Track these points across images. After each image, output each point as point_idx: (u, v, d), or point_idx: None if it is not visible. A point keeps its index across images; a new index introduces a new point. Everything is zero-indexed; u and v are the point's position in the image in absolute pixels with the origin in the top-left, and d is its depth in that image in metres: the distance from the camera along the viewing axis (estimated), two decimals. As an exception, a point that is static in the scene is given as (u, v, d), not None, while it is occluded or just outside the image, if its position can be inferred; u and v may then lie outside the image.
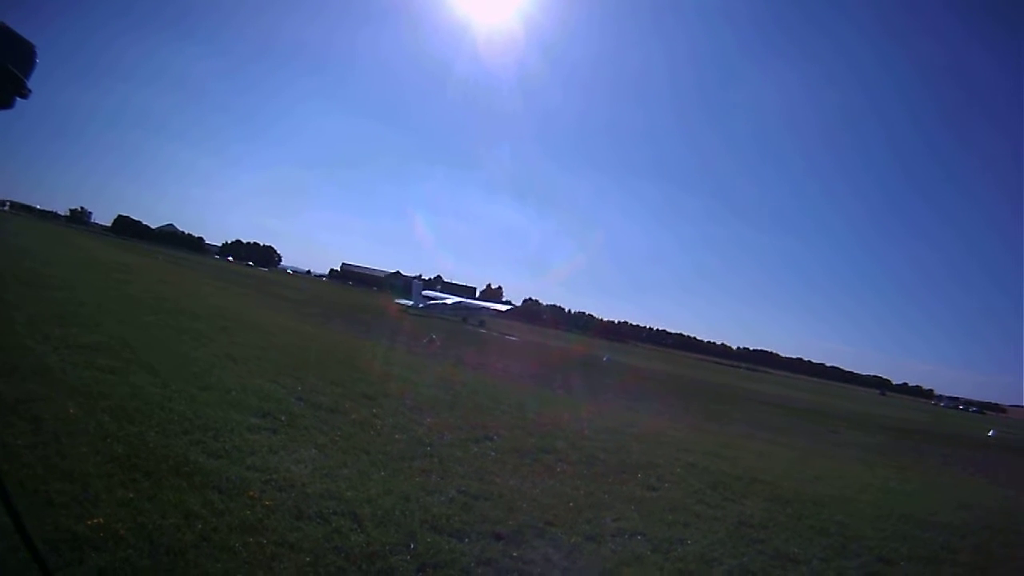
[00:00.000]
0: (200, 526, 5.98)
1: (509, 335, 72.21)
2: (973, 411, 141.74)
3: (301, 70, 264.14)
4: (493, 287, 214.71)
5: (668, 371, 64.96)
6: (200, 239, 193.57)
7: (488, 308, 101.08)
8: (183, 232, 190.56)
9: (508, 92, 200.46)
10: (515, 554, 7.08)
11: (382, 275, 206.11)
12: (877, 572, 9.09)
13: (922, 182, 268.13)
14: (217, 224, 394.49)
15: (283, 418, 10.65)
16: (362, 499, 7.63)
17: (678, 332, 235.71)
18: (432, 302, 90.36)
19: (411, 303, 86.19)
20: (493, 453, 11.51)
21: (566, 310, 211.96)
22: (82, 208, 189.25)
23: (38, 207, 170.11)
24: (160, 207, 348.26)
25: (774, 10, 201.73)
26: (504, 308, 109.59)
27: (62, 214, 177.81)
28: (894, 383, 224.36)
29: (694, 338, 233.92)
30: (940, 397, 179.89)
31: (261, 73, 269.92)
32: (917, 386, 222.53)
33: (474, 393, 18.61)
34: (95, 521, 5.53)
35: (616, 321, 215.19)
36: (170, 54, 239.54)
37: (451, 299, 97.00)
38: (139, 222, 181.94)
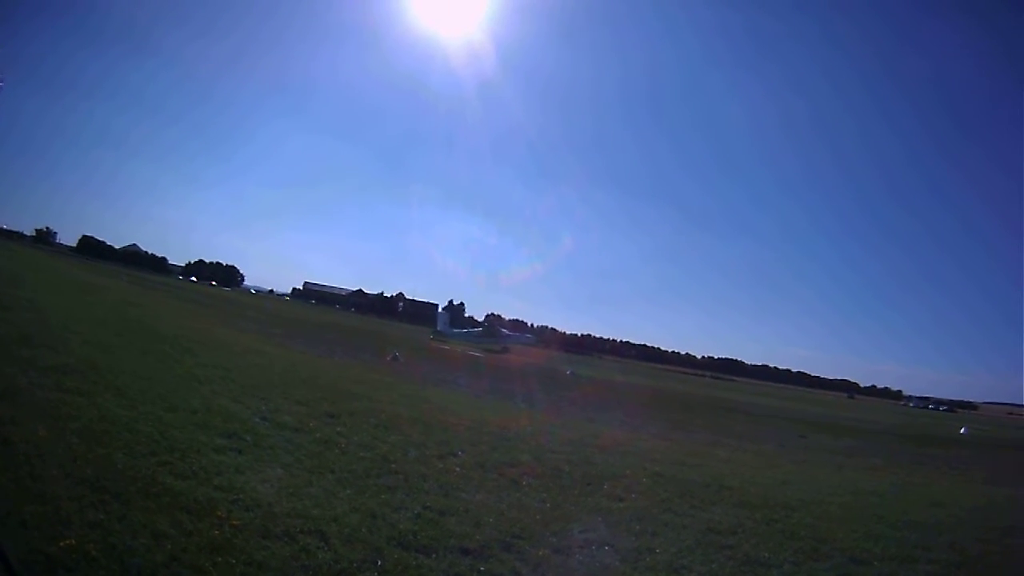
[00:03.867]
0: (170, 546, 6.04)
1: (472, 351, 72.41)
2: (944, 410, 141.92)
3: (263, 88, 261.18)
4: (455, 303, 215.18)
5: (632, 382, 64.95)
6: (163, 259, 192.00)
7: (511, 336, 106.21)
8: (146, 252, 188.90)
9: (468, 105, 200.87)
10: (483, 568, 7.15)
11: (344, 293, 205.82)
12: (849, 573, 9.17)
13: (882, 185, 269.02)
14: (180, 244, 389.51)
15: (248, 438, 10.68)
16: (328, 517, 7.69)
17: (642, 343, 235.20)
18: (457, 331, 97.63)
19: (438, 331, 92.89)
20: (458, 468, 11.61)
21: (528, 324, 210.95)
22: (47, 228, 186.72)
23: (3, 227, 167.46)
24: (123, 227, 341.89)
25: (742, 18, 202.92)
26: (530, 336, 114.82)
27: (28, 234, 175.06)
28: (862, 386, 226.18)
29: (658, 349, 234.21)
30: (909, 397, 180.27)
31: (225, 92, 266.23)
32: (886, 388, 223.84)
33: (438, 409, 18.67)
34: (67, 542, 5.61)
35: (579, 334, 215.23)
36: (129, 70, 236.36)
37: (477, 330, 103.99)
38: (103, 242, 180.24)
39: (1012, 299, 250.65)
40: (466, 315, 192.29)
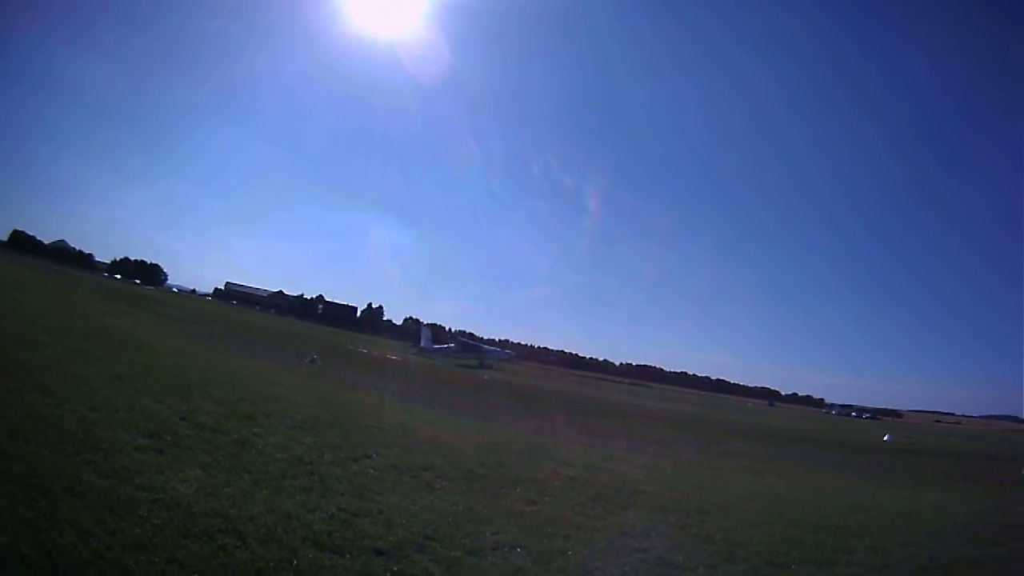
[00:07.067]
0: (95, 544, 6.21)
1: (391, 355, 72.40)
2: (867, 417, 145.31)
3: (195, 84, 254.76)
4: (374, 306, 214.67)
5: (550, 388, 65.54)
6: (90, 256, 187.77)
7: (495, 352, 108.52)
8: (74, 248, 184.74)
9: (398, 110, 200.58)
10: (396, 569, 7.34)
11: (265, 295, 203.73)
12: None
13: (799, 190, 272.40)
14: (105, 240, 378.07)
15: (168, 438, 10.70)
16: (245, 517, 7.83)
17: (560, 349, 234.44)
18: (439, 347, 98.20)
19: (422, 346, 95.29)
20: (372, 471, 11.78)
21: (447, 328, 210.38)
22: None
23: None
24: (52, 222, 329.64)
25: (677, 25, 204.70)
26: (510, 352, 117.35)
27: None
28: (783, 393, 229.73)
29: (576, 355, 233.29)
30: (832, 405, 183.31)
31: (159, 87, 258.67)
32: (807, 395, 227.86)
33: (354, 413, 18.81)
34: (1, 540, 5.83)
35: (497, 339, 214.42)
36: (67, 61, 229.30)
37: (451, 346, 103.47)
38: (33, 237, 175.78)
39: (941, 306, 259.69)
40: (384, 319, 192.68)
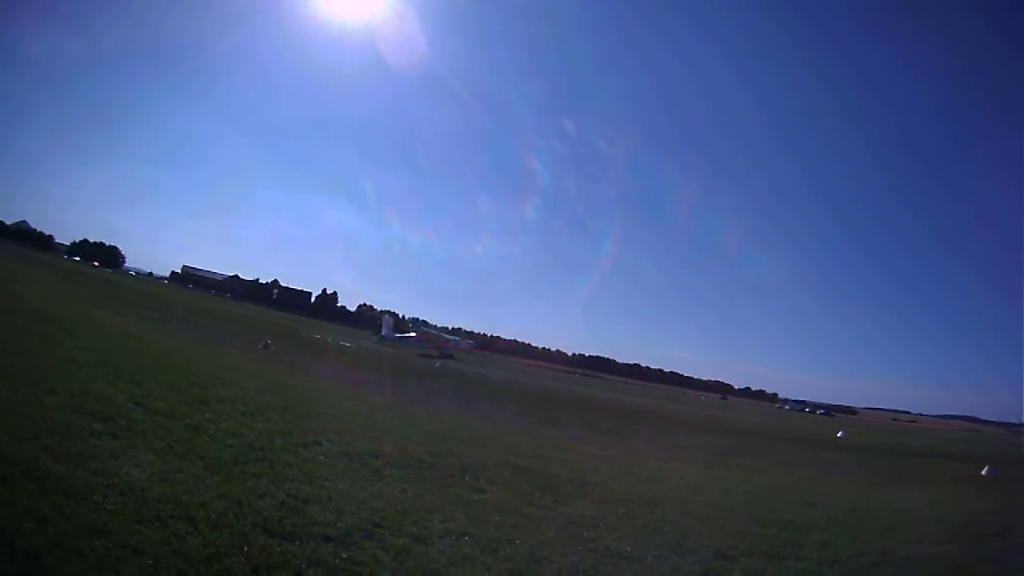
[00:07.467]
0: (52, 530, 6.32)
1: (343, 341, 72.14)
2: (821, 413, 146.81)
3: (161, 65, 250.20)
4: (328, 292, 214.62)
5: (501, 377, 65.70)
6: (50, 237, 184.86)
7: (455, 341, 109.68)
8: (35, 229, 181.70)
9: (361, 94, 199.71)
10: (345, 555, 7.45)
11: (221, 279, 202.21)
12: (715, 569, 9.47)
13: (754, 183, 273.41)
14: (67, 221, 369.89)
15: (122, 423, 10.72)
16: (197, 503, 7.88)
17: (512, 338, 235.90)
18: (400, 336, 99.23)
19: (383, 335, 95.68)
20: (322, 458, 11.89)
21: (400, 316, 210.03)
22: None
23: None
24: (13, 202, 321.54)
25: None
26: (471, 342, 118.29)
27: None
28: (737, 387, 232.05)
29: (528, 344, 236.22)
30: (785, 400, 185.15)
31: (126, 70, 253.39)
32: (761, 390, 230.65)
33: (305, 399, 18.88)
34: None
35: (450, 327, 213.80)
36: (31, 37, 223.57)
37: (413, 335, 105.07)
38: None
39: (903, 304, 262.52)
40: (338, 305, 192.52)
